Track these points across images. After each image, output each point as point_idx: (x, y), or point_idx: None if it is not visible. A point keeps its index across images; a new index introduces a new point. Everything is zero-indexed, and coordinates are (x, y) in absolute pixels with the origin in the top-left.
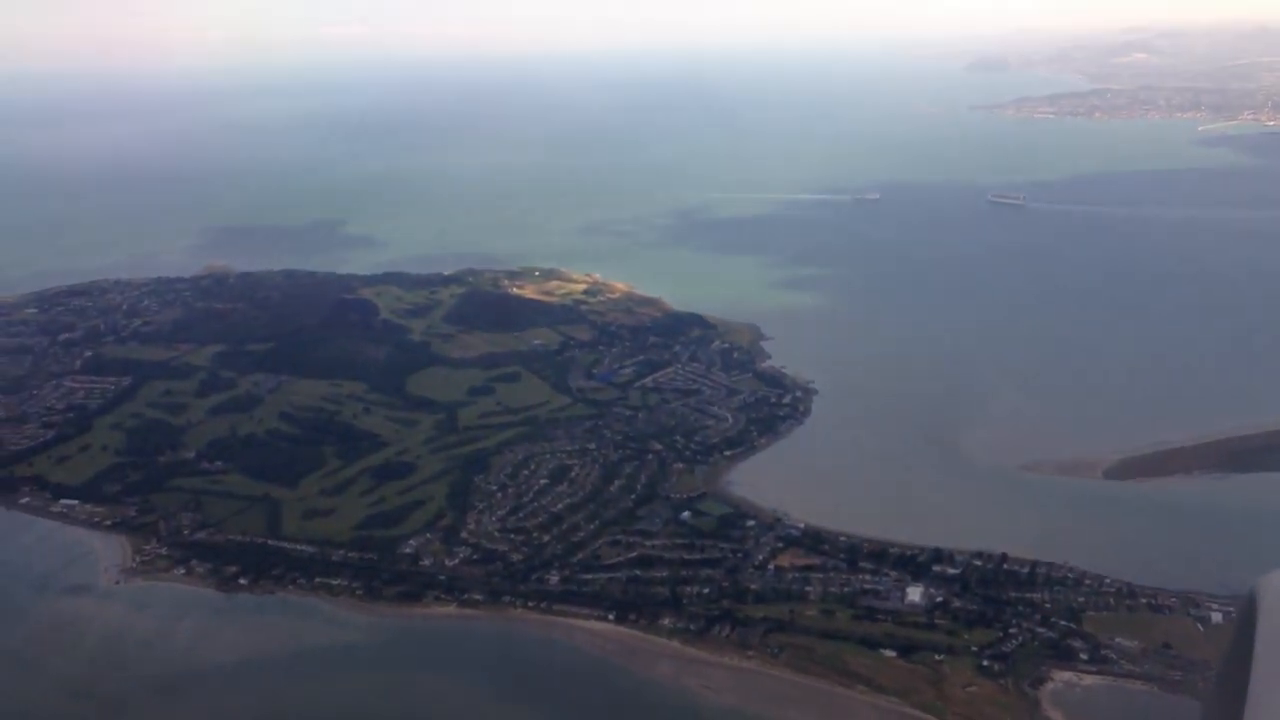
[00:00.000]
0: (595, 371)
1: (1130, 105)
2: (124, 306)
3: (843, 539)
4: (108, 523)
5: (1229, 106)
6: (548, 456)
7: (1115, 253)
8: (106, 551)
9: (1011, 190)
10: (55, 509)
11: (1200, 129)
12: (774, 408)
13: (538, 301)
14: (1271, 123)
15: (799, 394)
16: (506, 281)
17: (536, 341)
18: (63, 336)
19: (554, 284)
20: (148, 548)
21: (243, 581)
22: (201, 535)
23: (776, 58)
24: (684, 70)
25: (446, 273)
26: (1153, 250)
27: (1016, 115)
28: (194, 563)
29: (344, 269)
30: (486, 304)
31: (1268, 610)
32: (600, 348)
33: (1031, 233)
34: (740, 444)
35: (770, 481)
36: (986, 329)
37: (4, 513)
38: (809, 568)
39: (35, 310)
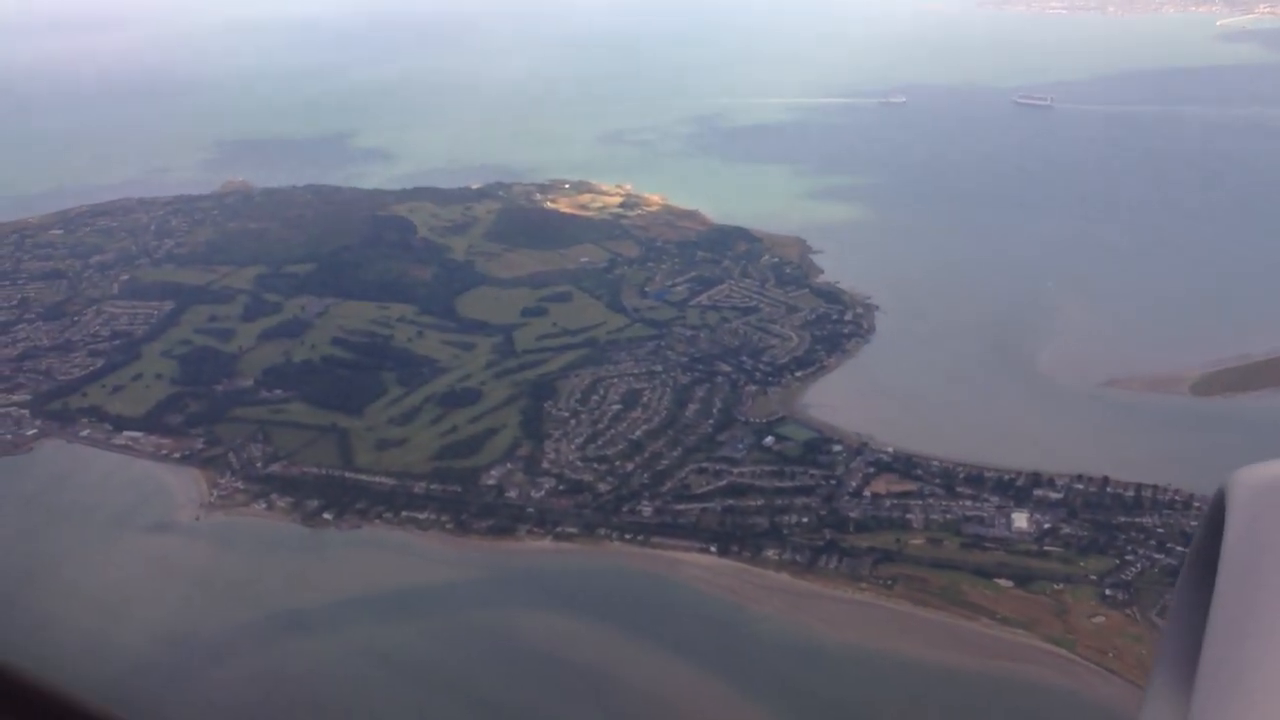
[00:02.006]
0: (648, 290)
1: None
2: (152, 227)
3: (935, 463)
4: (176, 455)
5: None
6: (615, 380)
7: (1157, 155)
8: (181, 486)
9: (1038, 91)
10: (118, 441)
11: (1219, 23)
12: (837, 325)
13: (577, 216)
14: None
15: (860, 310)
16: (539, 195)
17: (583, 259)
18: (94, 259)
19: (587, 197)
20: (223, 481)
21: (327, 516)
22: (275, 468)
23: None
24: None
25: (474, 186)
26: (1197, 152)
27: (1027, 11)
28: (274, 496)
29: (364, 183)
30: (527, 220)
31: (1238, 507)
32: (649, 264)
33: (1065, 135)
34: (810, 364)
35: (847, 403)
36: (1039, 238)
37: (66, 446)
38: (906, 494)
39: (61, 231)
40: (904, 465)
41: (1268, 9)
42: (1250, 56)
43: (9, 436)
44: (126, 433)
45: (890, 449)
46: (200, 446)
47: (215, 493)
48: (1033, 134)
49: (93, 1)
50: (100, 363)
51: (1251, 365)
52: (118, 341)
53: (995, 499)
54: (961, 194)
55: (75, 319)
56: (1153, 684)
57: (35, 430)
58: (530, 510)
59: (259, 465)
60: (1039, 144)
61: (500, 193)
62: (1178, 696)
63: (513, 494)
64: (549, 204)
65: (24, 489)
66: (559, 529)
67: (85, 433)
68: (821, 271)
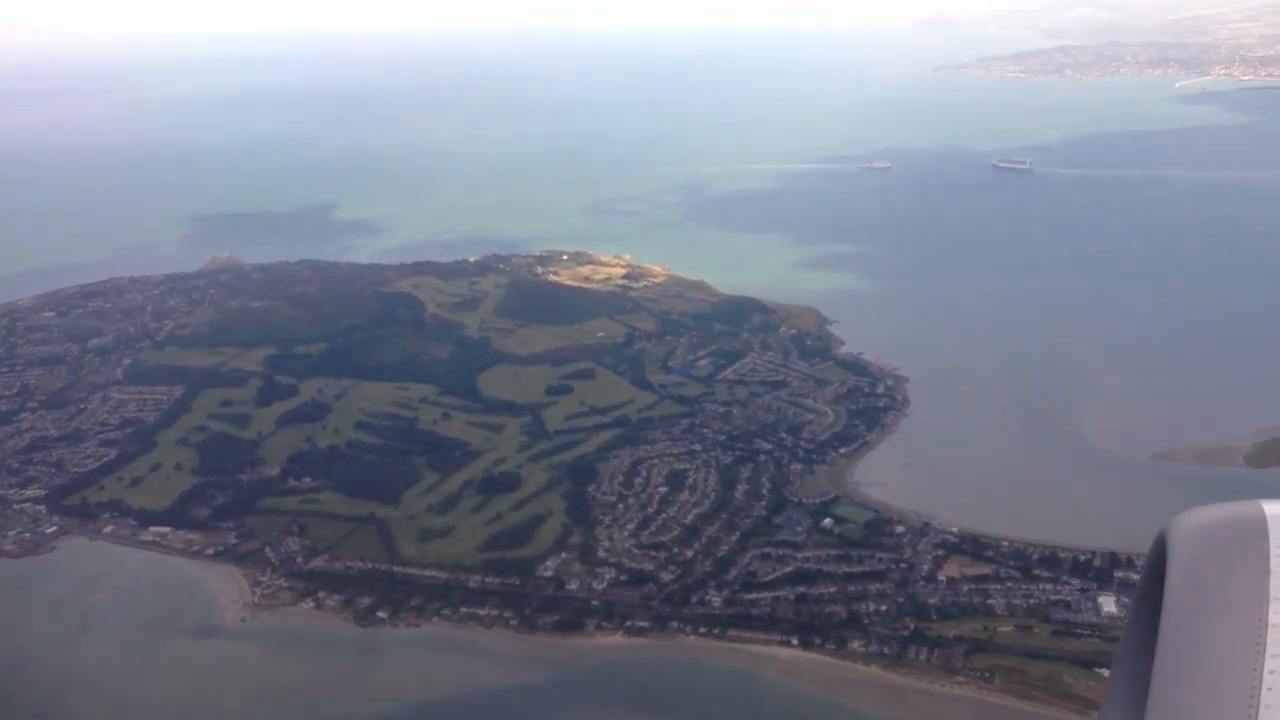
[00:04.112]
0: (671, 365)
1: (1098, 62)
2: (148, 307)
3: (1005, 544)
4: (209, 551)
5: (1197, 62)
6: (655, 460)
7: (1152, 219)
8: (220, 585)
9: (1015, 154)
10: (145, 537)
11: (1177, 85)
12: (871, 398)
13: (585, 289)
14: (1246, 77)
15: (890, 382)
16: (540, 268)
17: (600, 334)
18: (93, 342)
19: (588, 269)
20: (264, 579)
21: (381, 614)
22: (318, 563)
23: (735, 30)
24: (641, 48)
25: (472, 259)
26: (1191, 215)
27: (986, 75)
28: (321, 594)
29: (357, 257)
30: (536, 294)
31: (1178, 550)
32: (667, 338)
33: (1051, 199)
34: (852, 440)
35: (898, 480)
36: (1055, 304)
37: (89, 544)
38: (982, 578)
39: (53, 313)
40: (973, 546)
41: (1224, 71)
42: (1213, 118)
43: (28, 535)
44: (153, 528)
45: (955, 529)
46: (234, 541)
47: (258, 592)
48: (1017, 198)
49: (49, 70)
50: (114, 453)
51: None
52: (129, 430)
53: (1076, 581)
54: (961, 259)
55: (81, 406)
56: (1104, 716)
57: (55, 528)
58: (595, 603)
59: (299, 560)
60: (1027, 208)
61: (501, 265)
62: None
63: (573, 586)
64: (552, 276)
65: (53, 593)
66: (629, 623)
67: (108, 529)
68: (843, 343)
